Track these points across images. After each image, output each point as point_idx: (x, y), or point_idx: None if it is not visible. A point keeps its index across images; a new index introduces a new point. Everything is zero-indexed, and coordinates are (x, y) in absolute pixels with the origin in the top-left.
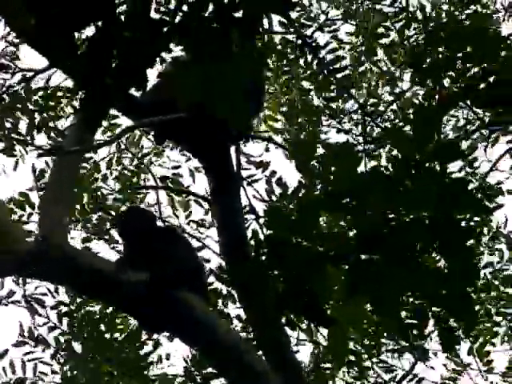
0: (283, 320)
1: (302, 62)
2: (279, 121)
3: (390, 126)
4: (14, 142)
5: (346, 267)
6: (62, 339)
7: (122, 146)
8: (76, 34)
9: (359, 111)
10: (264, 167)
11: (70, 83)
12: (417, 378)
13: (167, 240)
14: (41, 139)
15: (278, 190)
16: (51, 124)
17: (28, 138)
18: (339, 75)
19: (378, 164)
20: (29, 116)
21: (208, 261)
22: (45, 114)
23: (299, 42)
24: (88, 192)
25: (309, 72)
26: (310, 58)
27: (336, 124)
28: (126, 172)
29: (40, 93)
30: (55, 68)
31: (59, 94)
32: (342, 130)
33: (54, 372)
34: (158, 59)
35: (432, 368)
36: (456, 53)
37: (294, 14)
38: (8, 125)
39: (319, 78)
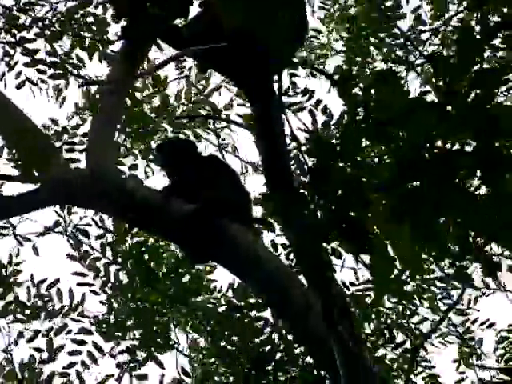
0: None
1: None
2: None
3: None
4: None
5: (389, 194)
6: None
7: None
8: None
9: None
10: (309, 95)
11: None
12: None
13: (213, 168)
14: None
15: (322, 119)
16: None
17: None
18: None
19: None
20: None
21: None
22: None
23: None
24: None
25: None
26: None
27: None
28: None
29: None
30: None
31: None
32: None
33: (101, 302)
34: None
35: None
36: None
37: None
38: (59, 50)
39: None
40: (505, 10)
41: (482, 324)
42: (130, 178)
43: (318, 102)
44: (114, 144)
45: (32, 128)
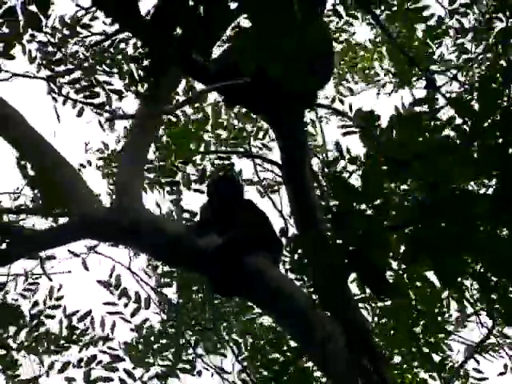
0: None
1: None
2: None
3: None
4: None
5: (408, 235)
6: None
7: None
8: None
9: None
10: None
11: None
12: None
13: (244, 207)
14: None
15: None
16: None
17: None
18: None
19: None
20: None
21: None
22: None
23: None
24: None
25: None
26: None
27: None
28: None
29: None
30: (125, 32)
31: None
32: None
33: (132, 330)
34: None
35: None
36: None
37: None
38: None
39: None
40: None
41: None
42: (156, 213)
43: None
44: (142, 180)
45: (63, 163)
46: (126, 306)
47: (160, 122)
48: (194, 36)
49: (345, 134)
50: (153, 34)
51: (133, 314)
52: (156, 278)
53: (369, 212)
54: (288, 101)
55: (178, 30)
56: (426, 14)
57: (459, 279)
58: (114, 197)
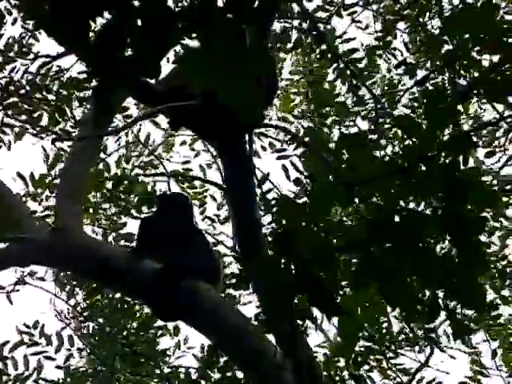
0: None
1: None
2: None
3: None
4: (28, 127)
5: (356, 257)
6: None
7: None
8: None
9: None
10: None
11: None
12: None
13: (181, 228)
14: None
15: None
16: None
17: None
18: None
19: (386, 154)
20: (45, 104)
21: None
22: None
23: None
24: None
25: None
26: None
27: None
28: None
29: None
30: (70, 55)
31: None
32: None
33: (57, 367)
34: (171, 49)
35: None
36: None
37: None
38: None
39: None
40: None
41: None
42: (95, 239)
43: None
44: (81, 204)
45: (4, 190)
46: (47, 344)
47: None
48: (143, 56)
49: (279, 158)
50: (100, 56)
51: (56, 351)
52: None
53: (316, 233)
54: (234, 122)
55: (126, 52)
56: None
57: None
58: (52, 221)
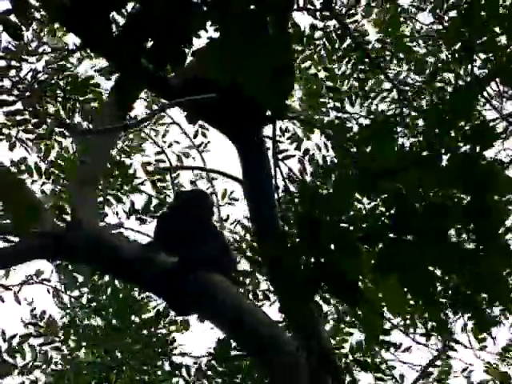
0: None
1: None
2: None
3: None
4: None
5: (378, 247)
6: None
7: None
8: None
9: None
10: (297, 144)
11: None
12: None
13: (197, 227)
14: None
15: (310, 169)
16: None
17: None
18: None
19: (412, 145)
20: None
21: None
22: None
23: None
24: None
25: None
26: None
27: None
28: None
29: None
30: (88, 48)
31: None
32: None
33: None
34: (194, 38)
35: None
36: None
37: None
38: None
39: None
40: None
41: None
42: (113, 232)
43: (306, 151)
44: (96, 197)
45: (20, 184)
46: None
47: (117, 137)
48: (167, 47)
49: (284, 159)
50: (123, 50)
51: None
52: None
53: (339, 223)
54: (255, 115)
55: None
56: None
57: (429, 293)
58: (69, 215)
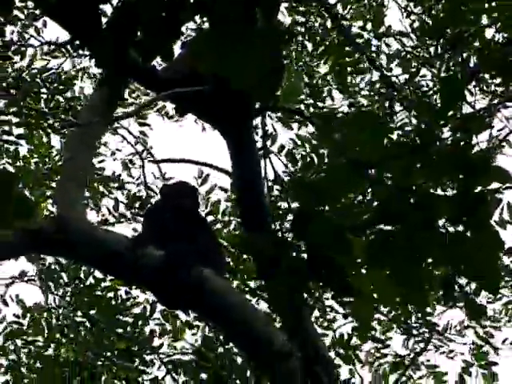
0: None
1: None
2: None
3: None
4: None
5: (368, 238)
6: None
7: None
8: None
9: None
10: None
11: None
12: None
13: (187, 220)
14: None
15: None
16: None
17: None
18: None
19: (399, 135)
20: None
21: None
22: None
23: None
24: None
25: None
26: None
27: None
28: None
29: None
30: (77, 42)
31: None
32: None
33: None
34: (182, 30)
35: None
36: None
37: None
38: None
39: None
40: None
41: None
42: (99, 226)
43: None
44: (84, 192)
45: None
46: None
47: (104, 132)
48: (157, 38)
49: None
50: (111, 42)
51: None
52: None
53: (329, 213)
54: (245, 106)
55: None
56: None
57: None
58: (54, 208)
